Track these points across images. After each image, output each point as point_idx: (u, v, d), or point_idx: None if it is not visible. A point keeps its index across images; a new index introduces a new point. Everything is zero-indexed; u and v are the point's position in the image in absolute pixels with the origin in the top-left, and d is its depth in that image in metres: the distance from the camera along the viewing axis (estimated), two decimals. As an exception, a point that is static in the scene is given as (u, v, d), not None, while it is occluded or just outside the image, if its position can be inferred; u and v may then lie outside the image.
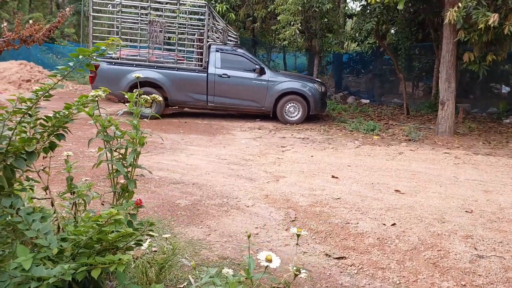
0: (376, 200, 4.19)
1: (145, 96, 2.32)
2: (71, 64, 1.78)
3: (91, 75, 8.76)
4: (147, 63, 8.94)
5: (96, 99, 2.01)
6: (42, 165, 2.21)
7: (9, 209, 1.62)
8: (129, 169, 2.18)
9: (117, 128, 2.13)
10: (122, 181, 2.34)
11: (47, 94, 1.75)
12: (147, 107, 7.83)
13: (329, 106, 11.27)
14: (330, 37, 11.72)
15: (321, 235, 3.29)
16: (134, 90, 2.32)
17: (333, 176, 5.04)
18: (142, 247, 2.05)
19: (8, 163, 1.65)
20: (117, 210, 1.59)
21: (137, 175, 2.42)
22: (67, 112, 1.86)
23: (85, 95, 1.99)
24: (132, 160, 2.16)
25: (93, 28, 8.67)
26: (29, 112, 1.74)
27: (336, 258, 2.89)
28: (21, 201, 1.70)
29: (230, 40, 10.64)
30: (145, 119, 2.94)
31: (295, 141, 7.31)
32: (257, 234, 3.27)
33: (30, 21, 2.30)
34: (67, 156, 2.36)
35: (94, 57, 1.79)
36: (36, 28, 2.13)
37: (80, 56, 1.79)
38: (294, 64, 24.67)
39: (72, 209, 2.24)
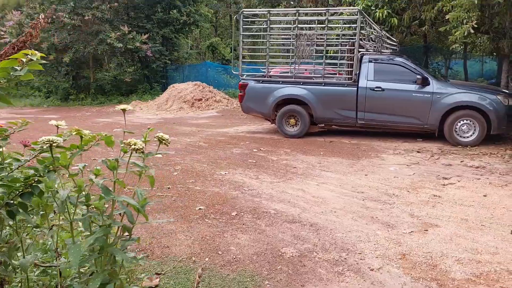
0: None
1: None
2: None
3: (240, 94, 8.83)
4: (293, 79, 8.50)
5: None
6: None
7: None
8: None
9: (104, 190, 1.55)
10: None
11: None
12: (291, 126, 7.28)
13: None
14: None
15: None
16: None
17: (515, 232, 3.48)
18: None
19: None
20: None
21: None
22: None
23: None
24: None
25: (243, 47, 8.72)
26: None
27: None
28: None
29: (388, 48, 9.34)
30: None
31: (464, 170, 5.65)
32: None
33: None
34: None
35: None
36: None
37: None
38: (480, 71, 20.83)
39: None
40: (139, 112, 14.25)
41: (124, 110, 1.70)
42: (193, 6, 20.79)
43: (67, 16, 15.94)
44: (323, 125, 8.52)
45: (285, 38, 9.36)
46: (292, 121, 8.44)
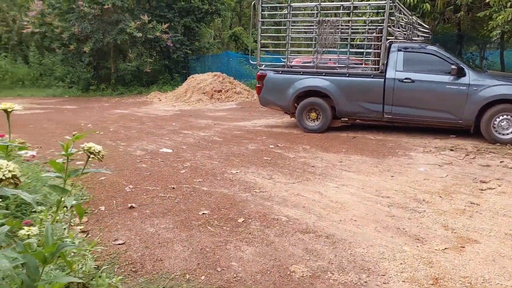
0: None
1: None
2: None
3: (258, 85, 8.35)
4: (314, 70, 7.94)
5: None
6: None
7: None
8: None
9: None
10: None
11: None
12: (312, 120, 6.73)
13: None
14: None
15: None
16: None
17: None
18: None
19: None
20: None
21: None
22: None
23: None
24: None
25: (261, 35, 8.21)
26: None
27: None
28: None
29: (419, 36, 8.63)
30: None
31: (504, 173, 5.02)
32: None
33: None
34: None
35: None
36: None
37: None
38: (522, 61, 19.45)
39: None
40: (157, 103, 13.99)
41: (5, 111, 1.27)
42: (215, -5, 20.34)
43: (86, 5, 15.79)
44: (346, 119, 7.95)
45: (307, 26, 8.79)
46: (313, 114, 7.91)
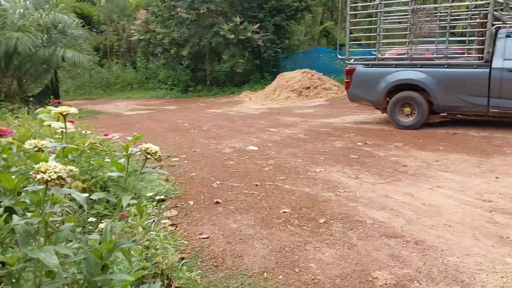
0: None
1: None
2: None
3: (347, 80, 8.08)
4: (408, 61, 7.42)
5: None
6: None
7: None
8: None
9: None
10: None
11: None
12: (406, 115, 6.38)
13: None
14: None
15: None
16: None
17: None
18: None
19: None
20: None
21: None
22: None
23: None
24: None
25: (350, 28, 7.93)
26: None
27: None
28: None
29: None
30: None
31: None
32: None
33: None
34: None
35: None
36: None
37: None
38: None
39: None
40: (248, 102, 14.39)
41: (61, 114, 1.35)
42: (306, -9, 20.18)
43: (184, 11, 16.85)
44: (445, 114, 7.30)
45: (400, 15, 8.26)
46: (407, 109, 7.40)
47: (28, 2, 11.39)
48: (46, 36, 12.56)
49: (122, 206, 1.32)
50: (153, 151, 1.27)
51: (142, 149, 1.29)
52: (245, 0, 19.11)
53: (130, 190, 3.89)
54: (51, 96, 8.22)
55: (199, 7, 16.86)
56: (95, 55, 15.60)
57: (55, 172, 1.01)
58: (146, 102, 17.27)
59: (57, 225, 1.14)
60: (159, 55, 19.58)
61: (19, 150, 1.39)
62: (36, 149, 1.24)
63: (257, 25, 17.46)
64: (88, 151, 3.12)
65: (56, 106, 1.48)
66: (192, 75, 20.30)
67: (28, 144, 1.26)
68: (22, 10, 11.08)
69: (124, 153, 1.23)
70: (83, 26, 14.00)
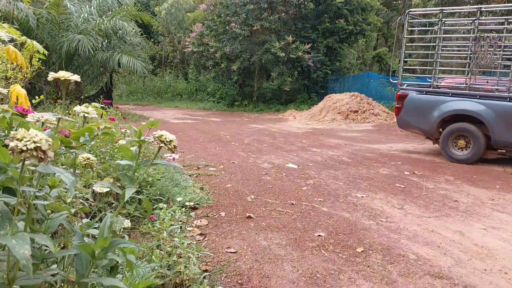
0: None
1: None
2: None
3: (398, 105, 7.73)
4: (466, 91, 6.97)
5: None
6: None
7: None
8: None
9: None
10: None
11: None
12: (460, 148, 5.94)
13: None
14: None
15: None
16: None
17: None
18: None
19: None
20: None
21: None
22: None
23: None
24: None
25: (405, 52, 7.61)
26: None
27: None
28: None
29: None
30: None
31: None
32: None
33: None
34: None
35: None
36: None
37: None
38: None
39: None
40: (292, 121, 14.23)
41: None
42: (361, 15, 19.95)
43: (238, 27, 17.14)
44: (504, 151, 6.75)
45: (460, 43, 7.84)
46: (461, 142, 6.92)
47: (92, 8, 12.02)
48: (106, 41, 13.18)
49: (125, 201, 1.19)
50: (168, 140, 1.12)
51: (156, 136, 1.15)
52: (298, 20, 19.19)
53: (164, 194, 3.82)
54: (101, 96, 8.51)
55: (253, 24, 17.11)
56: (150, 63, 16.15)
57: (34, 142, 0.85)
58: (193, 112, 17.58)
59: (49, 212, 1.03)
60: (210, 68, 20.00)
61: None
62: (39, 123, 1.16)
63: (309, 45, 17.41)
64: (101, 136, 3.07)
65: (104, 106, 1.42)
66: (239, 90, 20.52)
67: (31, 117, 1.18)
68: (86, 15, 11.70)
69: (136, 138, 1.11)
70: (141, 34, 14.58)
